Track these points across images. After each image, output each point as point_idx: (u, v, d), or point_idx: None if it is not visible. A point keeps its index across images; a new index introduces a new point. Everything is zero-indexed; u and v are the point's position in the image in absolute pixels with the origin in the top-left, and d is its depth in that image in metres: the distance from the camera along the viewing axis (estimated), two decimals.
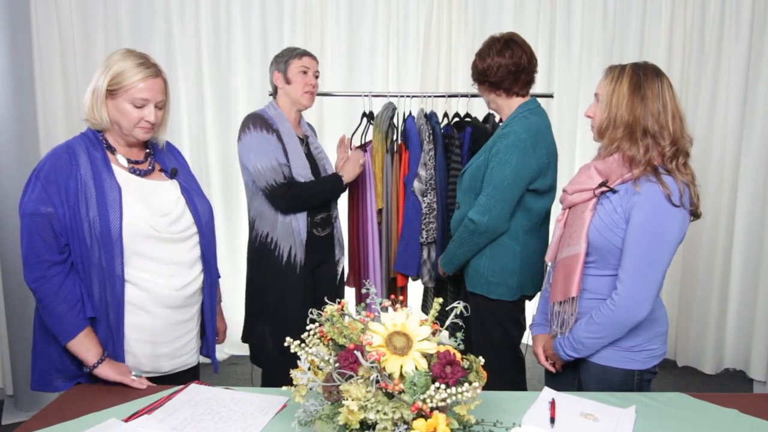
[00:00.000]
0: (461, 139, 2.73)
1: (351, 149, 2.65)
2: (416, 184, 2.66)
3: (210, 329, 1.81)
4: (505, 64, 2.13)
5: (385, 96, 2.85)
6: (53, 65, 3.18)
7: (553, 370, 1.80)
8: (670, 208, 1.53)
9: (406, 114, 2.77)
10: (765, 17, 3.38)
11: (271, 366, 2.43)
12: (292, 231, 2.33)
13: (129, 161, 1.64)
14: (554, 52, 3.63)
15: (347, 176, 2.46)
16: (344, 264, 2.64)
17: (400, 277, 2.77)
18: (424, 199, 2.65)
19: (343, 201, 2.92)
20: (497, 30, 2.27)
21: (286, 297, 2.36)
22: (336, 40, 3.65)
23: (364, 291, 2.78)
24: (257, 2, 3.55)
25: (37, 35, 3.07)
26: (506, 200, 2.07)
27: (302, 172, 2.33)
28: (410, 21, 3.66)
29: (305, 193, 2.31)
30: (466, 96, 2.80)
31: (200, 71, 3.54)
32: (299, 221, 2.33)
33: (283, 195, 2.27)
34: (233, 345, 3.56)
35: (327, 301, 1.25)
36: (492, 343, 2.22)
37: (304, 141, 2.44)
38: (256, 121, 2.30)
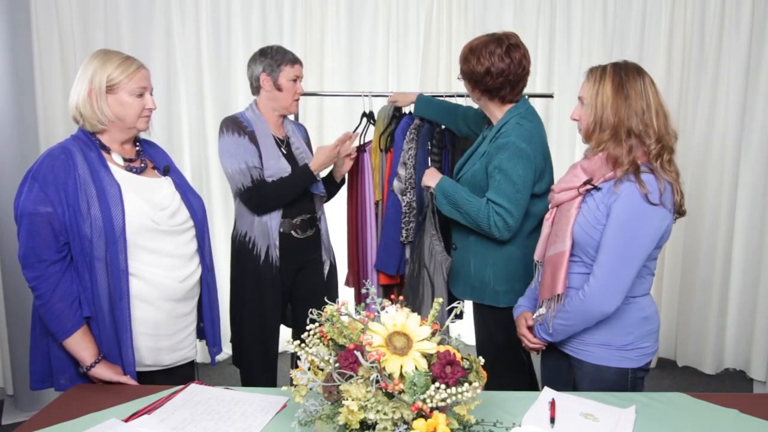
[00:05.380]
0: (441, 133, 2.71)
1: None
2: (396, 183, 2.65)
3: (208, 321, 1.84)
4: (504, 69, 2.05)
5: (385, 96, 2.84)
6: (53, 65, 3.18)
7: (533, 348, 1.82)
8: (647, 207, 1.55)
9: (407, 114, 2.77)
10: (765, 17, 3.38)
11: (249, 366, 2.43)
12: (268, 230, 2.34)
13: (124, 159, 1.68)
14: (554, 52, 3.61)
15: (315, 164, 2.35)
16: (328, 267, 2.56)
17: (383, 276, 2.76)
18: (404, 198, 2.64)
19: (342, 202, 2.92)
20: (497, 30, 2.26)
21: (263, 297, 2.37)
22: (336, 40, 3.65)
23: (363, 291, 2.78)
24: (257, 2, 3.54)
25: (37, 35, 3.06)
26: (521, 210, 2.05)
27: (276, 173, 2.31)
28: (410, 21, 3.66)
29: (272, 192, 2.30)
30: (463, 96, 2.79)
31: (200, 71, 3.53)
32: (272, 221, 2.34)
33: (251, 197, 2.29)
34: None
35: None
36: (495, 344, 2.22)
37: (285, 142, 2.43)
38: (230, 124, 2.34)
